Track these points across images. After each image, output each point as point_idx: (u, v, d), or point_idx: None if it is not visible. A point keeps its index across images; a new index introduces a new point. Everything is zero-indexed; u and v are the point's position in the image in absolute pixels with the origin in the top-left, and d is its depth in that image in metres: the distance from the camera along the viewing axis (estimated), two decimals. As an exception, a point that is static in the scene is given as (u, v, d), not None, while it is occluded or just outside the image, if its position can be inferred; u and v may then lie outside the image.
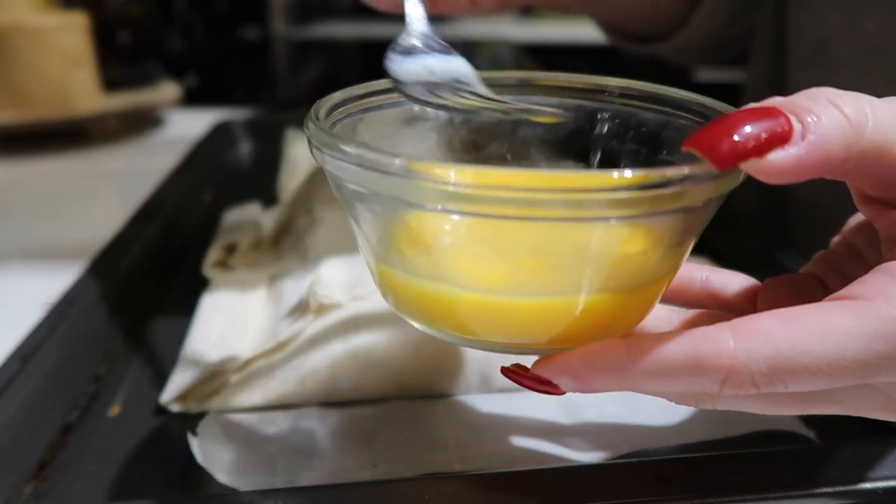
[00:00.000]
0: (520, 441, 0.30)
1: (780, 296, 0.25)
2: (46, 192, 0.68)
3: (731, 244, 0.45)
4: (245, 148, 0.77)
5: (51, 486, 0.28)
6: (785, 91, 0.48)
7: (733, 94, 0.55)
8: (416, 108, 0.27)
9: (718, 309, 0.26)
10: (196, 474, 0.28)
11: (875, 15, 0.41)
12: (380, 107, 0.27)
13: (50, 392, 0.32)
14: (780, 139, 0.18)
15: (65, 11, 0.84)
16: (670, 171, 0.18)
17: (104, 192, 0.69)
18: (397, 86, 0.26)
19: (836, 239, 0.26)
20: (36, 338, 0.33)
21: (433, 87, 0.26)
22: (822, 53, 0.45)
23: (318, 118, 0.23)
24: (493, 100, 0.26)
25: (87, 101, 0.81)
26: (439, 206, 0.19)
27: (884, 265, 0.20)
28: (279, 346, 0.34)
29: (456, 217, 0.20)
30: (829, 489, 0.23)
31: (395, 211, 0.21)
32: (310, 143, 0.21)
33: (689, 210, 0.20)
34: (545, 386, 0.21)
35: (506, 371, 0.23)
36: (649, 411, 0.32)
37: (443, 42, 0.28)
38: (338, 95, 0.25)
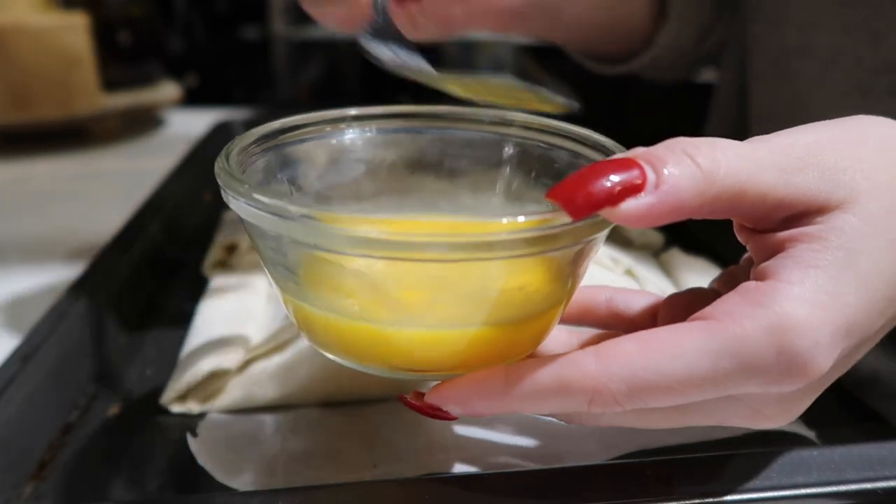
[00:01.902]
0: (520, 441, 0.30)
1: (678, 312, 0.25)
2: (46, 192, 0.68)
3: (730, 245, 0.45)
4: (245, 148, 0.77)
5: (51, 486, 0.28)
6: (749, 104, 0.48)
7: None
8: (341, 140, 0.29)
9: (622, 328, 0.27)
10: (196, 474, 0.28)
11: (826, 29, 0.42)
12: (304, 140, 0.28)
13: (50, 392, 0.32)
14: (633, 189, 0.20)
15: (65, 11, 0.84)
16: (548, 218, 0.20)
17: (104, 192, 0.69)
18: (381, 63, 0.28)
19: (745, 255, 0.27)
20: (36, 338, 0.33)
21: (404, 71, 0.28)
22: (780, 67, 0.45)
23: (227, 158, 0.23)
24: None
25: (87, 101, 0.81)
26: (335, 249, 0.21)
27: (742, 285, 0.21)
28: (279, 347, 0.34)
29: (347, 256, 0.21)
30: (830, 489, 0.23)
31: (295, 250, 0.22)
32: (218, 181, 0.22)
33: (568, 247, 0.22)
34: (436, 411, 0.23)
35: (403, 399, 0.24)
36: (649, 411, 0.32)
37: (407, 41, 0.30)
38: (257, 131, 0.26)
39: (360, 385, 0.33)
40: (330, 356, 0.25)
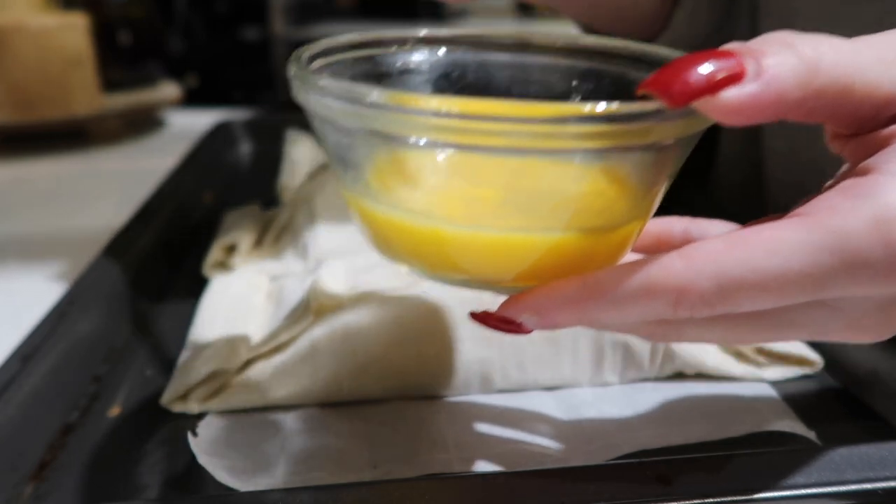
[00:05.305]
0: (520, 441, 0.30)
1: None
2: (46, 192, 0.68)
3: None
4: (245, 148, 0.77)
5: (51, 486, 0.28)
6: None
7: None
8: (407, 62, 0.28)
9: None
10: (196, 474, 0.28)
11: (843, 26, 0.41)
12: (369, 59, 0.27)
13: (50, 392, 0.32)
14: (733, 78, 0.19)
15: (65, 11, 0.84)
16: (639, 105, 0.18)
17: (104, 193, 0.69)
18: None
19: (829, 183, 0.26)
20: (36, 338, 0.33)
21: None
22: None
23: (300, 60, 0.23)
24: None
25: (88, 101, 0.81)
26: (412, 137, 0.20)
27: (841, 183, 0.20)
28: (279, 347, 0.34)
29: (424, 149, 0.20)
30: (830, 489, 0.23)
31: (369, 144, 0.22)
32: (292, 82, 0.22)
33: (656, 149, 0.20)
34: (509, 325, 0.22)
35: (473, 315, 0.23)
36: (649, 411, 0.32)
37: None
38: (322, 44, 0.25)
39: (360, 385, 0.33)
40: (399, 265, 0.24)
